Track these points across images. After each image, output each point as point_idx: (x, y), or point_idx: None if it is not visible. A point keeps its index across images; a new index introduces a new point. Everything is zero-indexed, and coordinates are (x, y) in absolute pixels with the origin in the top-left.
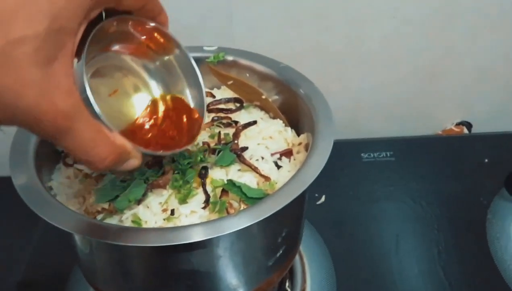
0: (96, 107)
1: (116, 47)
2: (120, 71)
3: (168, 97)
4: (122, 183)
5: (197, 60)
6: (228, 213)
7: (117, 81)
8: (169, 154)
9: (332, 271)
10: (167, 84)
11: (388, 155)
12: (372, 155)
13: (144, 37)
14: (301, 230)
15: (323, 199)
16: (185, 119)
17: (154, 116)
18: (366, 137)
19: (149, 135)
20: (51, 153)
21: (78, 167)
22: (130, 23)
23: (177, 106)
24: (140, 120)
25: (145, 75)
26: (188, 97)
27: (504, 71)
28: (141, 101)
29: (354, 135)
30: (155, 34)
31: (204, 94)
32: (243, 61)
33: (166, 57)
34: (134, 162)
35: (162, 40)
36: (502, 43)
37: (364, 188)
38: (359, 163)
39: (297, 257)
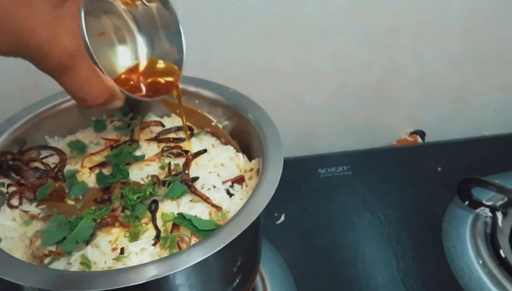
0: (92, 51)
1: None
2: (107, 15)
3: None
4: (69, 223)
5: None
6: (179, 248)
7: (104, 24)
8: (149, 100)
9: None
10: (150, 34)
11: (345, 169)
12: (329, 170)
13: None
14: (257, 255)
15: (282, 218)
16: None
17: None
18: (322, 153)
19: (131, 82)
20: None
21: (24, 208)
22: None
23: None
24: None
25: (131, 24)
26: (167, 46)
27: (448, 81)
28: (125, 53)
29: (311, 152)
30: None
31: (184, 45)
32: (191, 88)
33: (151, 6)
34: (119, 103)
35: None
36: (444, 54)
37: (323, 204)
38: (316, 178)
39: (258, 278)
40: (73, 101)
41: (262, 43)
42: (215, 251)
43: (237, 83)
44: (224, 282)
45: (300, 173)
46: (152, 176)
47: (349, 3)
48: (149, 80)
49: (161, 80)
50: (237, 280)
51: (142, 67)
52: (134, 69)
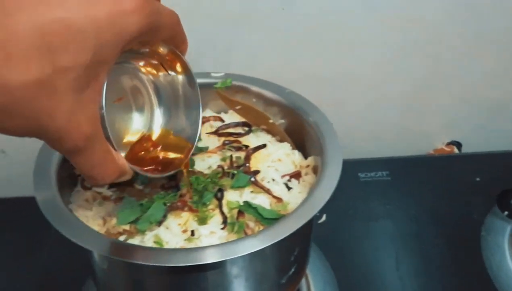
0: (108, 131)
1: (132, 56)
2: (129, 76)
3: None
4: (141, 206)
5: (205, 85)
6: (245, 233)
7: (124, 86)
8: (158, 176)
9: (335, 287)
10: (169, 106)
11: (385, 174)
12: (368, 175)
13: (161, 56)
14: (309, 246)
15: (324, 218)
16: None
17: (148, 141)
18: (362, 158)
19: (142, 153)
20: (70, 176)
21: (97, 189)
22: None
23: (170, 142)
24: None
25: (151, 92)
26: (183, 121)
27: (486, 92)
28: (139, 119)
29: (351, 156)
30: (172, 56)
31: (200, 124)
32: (251, 87)
33: (175, 78)
34: (127, 177)
35: (177, 62)
36: (483, 66)
37: (363, 207)
38: (356, 182)
39: None
40: None
41: (307, 49)
42: (283, 237)
43: (283, 85)
44: (282, 270)
45: (341, 176)
46: (218, 166)
47: (393, 14)
48: (160, 155)
49: (172, 155)
50: (292, 270)
51: (154, 137)
52: (146, 138)
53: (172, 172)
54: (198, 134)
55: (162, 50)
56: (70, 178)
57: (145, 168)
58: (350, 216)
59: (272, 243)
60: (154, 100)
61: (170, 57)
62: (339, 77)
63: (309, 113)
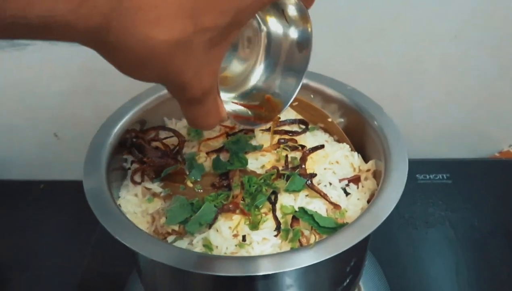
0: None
1: None
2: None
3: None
4: (191, 205)
5: None
6: (300, 242)
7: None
8: (248, 127)
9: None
10: (272, 62)
11: (445, 177)
12: (427, 176)
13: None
14: (366, 256)
15: None
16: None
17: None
18: (420, 158)
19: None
20: (120, 169)
21: (146, 185)
22: None
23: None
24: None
25: (262, 44)
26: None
27: None
28: (238, 67)
29: (409, 155)
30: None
31: (299, 88)
32: (310, 83)
33: (291, 32)
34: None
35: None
36: None
37: (420, 211)
38: (414, 184)
39: None
40: None
41: (369, 41)
42: (343, 250)
43: (339, 78)
44: (336, 281)
45: None
46: (273, 167)
47: (466, 7)
48: (254, 107)
49: (264, 112)
50: (347, 280)
51: (252, 90)
52: (245, 92)
53: (262, 124)
54: (293, 98)
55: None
56: (120, 170)
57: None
58: (406, 221)
59: (329, 257)
60: (261, 55)
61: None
62: (402, 71)
63: (372, 114)
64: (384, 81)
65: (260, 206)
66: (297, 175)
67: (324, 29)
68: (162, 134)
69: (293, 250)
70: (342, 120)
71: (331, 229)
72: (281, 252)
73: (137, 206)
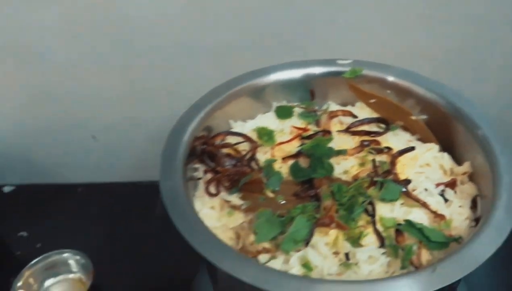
0: None
1: None
2: None
3: None
4: (280, 217)
5: (331, 74)
6: (411, 261)
7: None
8: None
9: None
10: None
11: None
12: None
13: None
14: None
15: None
16: None
17: None
18: None
19: None
20: (189, 179)
21: (225, 197)
22: None
23: None
24: None
25: None
26: None
27: None
28: None
29: None
30: None
31: None
32: (387, 77)
33: None
34: None
35: None
36: None
37: None
38: None
39: None
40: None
41: (422, 26)
42: (469, 271)
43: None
44: None
45: None
46: (368, 175)
47: None
48: None
49: None
50: None
51: None
52: None
53: None
54: None
55: None
56: (190, 181)
57: None
58: None
59: (454, 280)
60: None
61: None
62: (455, 59)
63: (460, 108)
64: (433, 69)
65: (356, 218)
66: (391, 182)
67: (377, 17)
68: (230, 139)
69: (413, 272)
70: (424, 117)
71: (442, 244)
72: (401, 275)
73: (216, 220)
